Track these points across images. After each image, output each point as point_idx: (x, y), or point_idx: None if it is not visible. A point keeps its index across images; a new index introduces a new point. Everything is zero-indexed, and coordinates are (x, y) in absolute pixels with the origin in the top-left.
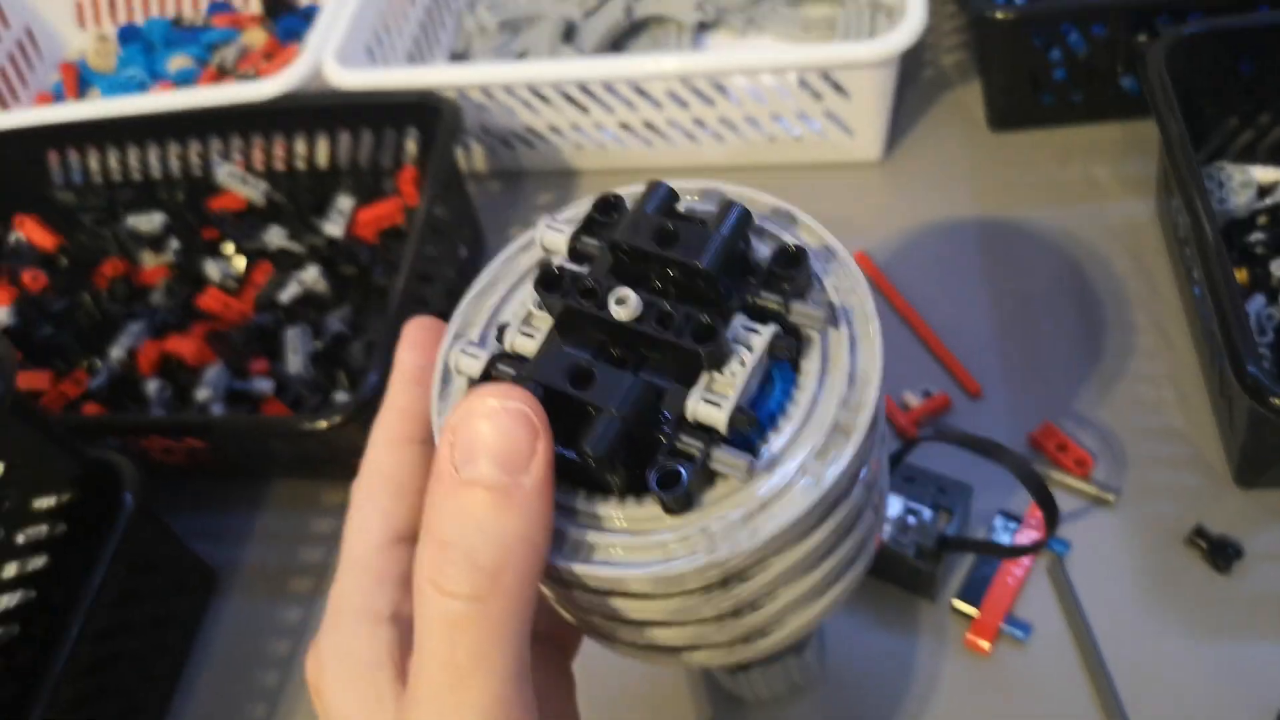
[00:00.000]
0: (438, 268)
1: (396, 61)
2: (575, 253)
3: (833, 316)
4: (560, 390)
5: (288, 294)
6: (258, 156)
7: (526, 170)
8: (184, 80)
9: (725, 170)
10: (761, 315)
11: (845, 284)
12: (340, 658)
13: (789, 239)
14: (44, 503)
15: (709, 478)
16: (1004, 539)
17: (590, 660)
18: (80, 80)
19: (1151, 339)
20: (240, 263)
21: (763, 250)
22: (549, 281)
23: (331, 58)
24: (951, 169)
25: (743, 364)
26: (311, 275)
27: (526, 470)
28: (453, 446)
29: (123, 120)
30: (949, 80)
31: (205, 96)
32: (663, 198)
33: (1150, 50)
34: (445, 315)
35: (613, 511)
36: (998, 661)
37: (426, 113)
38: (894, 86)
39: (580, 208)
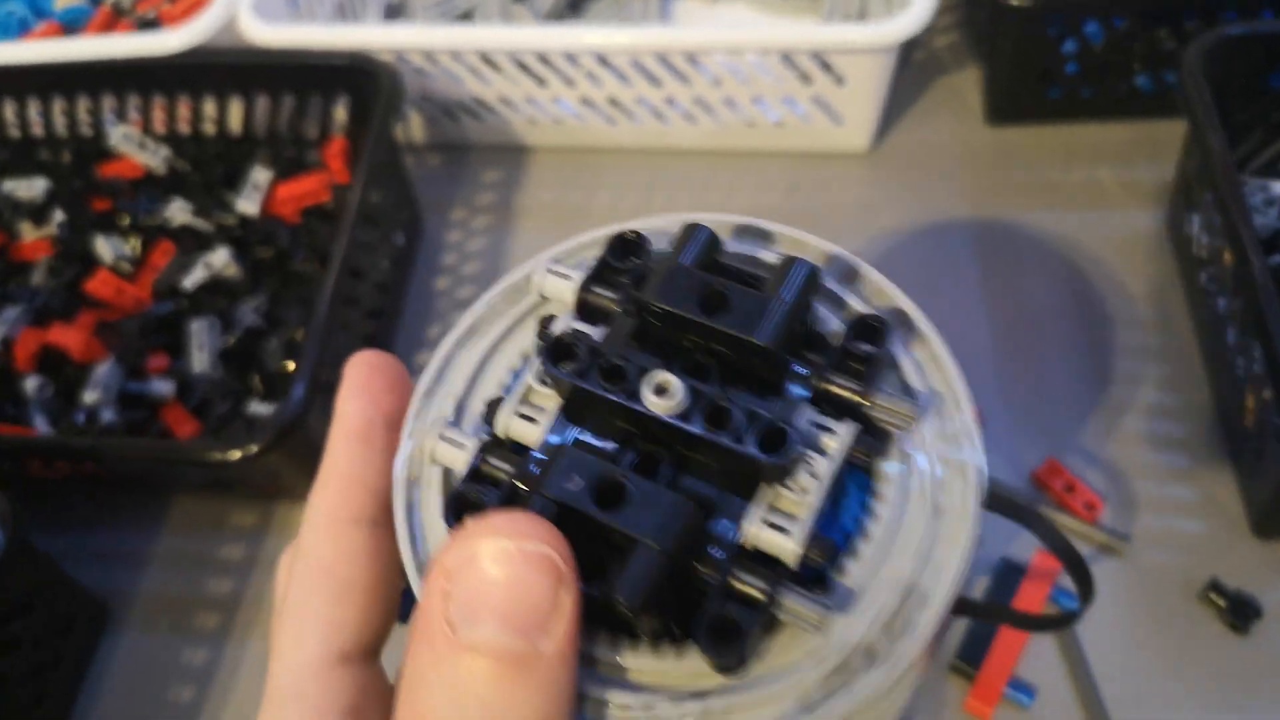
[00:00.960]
0: (372, 259)
1: (323, 13)
2: (585, 307)
3: (919, 408)
4: (584, 513)
5: (192, 279)
6: (159, 117)
7: (472, 144)
8: (73, 20)
9: (696, 154)
10: (833, 405)
11: (927, 362)
12: None
13: (856, 304)
14: None
15: (774, 626)
16: (1007, 591)
17: None
18: None
19: (1162, 368)
20: (136, 241)
21: (824, 316)
22: (559, 353)
23: (248, 8)
24: (944, 164)
25: (815, 476)
26: (221, 258)
27: (547, 631)
28: (448, 597)
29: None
30: (943, 65)
31: (98, 48)
32: (704, 246)
33: (1188, 51)
34: (380, 313)
35: (643, 663)
36: None
37: (359, 78)
38: (892, 74)
39: (584, 245)
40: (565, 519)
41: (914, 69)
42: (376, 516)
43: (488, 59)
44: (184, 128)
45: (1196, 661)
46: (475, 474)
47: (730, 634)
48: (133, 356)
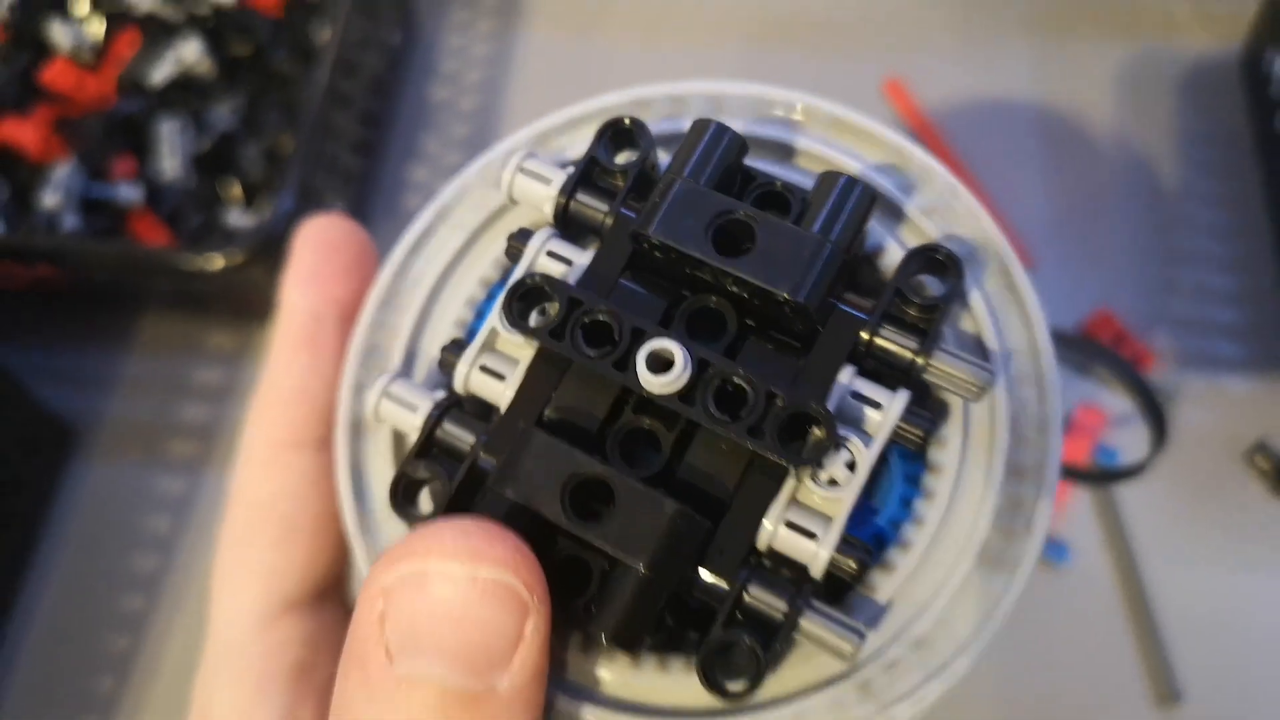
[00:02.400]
0: (362, 56)
1: None
2: (567, 218)
3: (992, 375)
4: (555, 524)
5: (161, 74)
6: None
7: None
8: None
9: None
10: (880, 365)
11: (1007, 305)
12: None
13: (922, 222)
14: None
15: (790, 646)
16: None
17: None
18: None
19: (1225, 216)
20: (98, 27)
21: (878, 238)
22: (528, 295)
23: None
24: None
25: (853, 465)
26: (192, 51)
27: (506, 669)
28: (385, 620)
29: None
30: None
31: None
32: (722, 158)
33: None
34: (372, 119)
35: (634, 678)
36: (1030, 586)
37: None
38: None
39: (575, 120)
40: (534, 523)
41: None
42: (324, 436)
43: None
44: None
45: (1237, 525)
46: (429, 442)
47: (734, 657)
48: (96, 158)
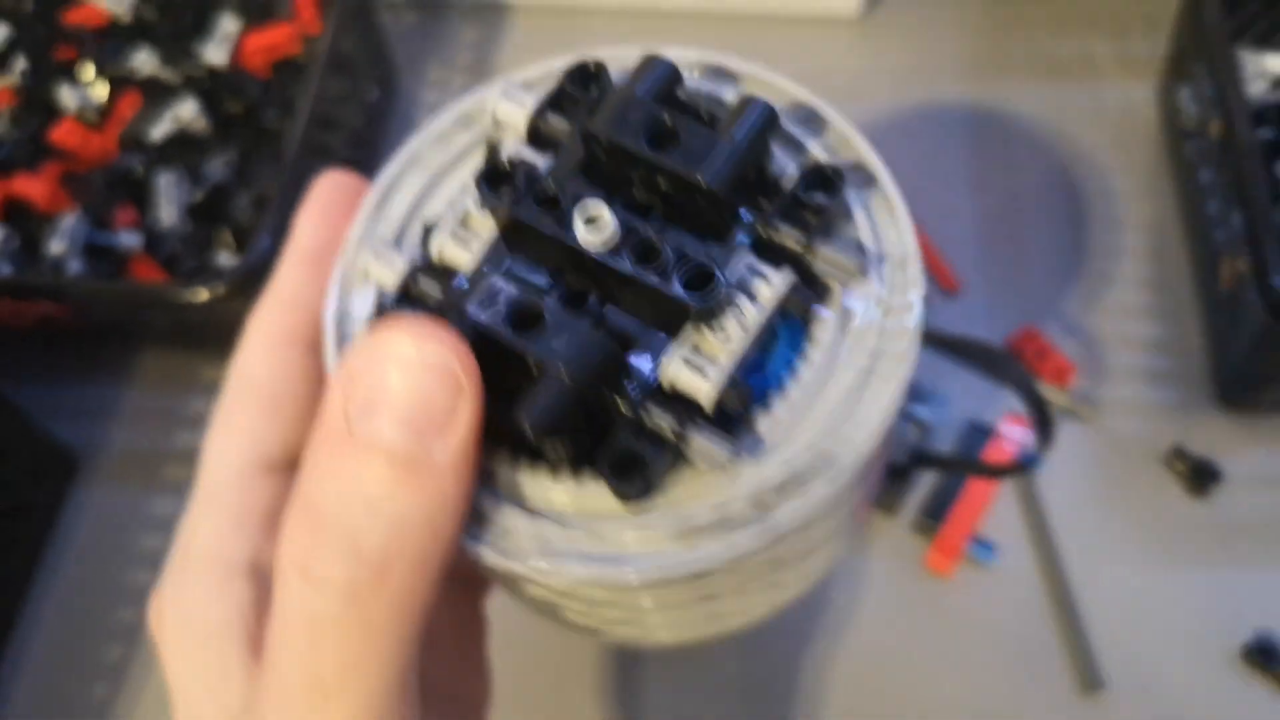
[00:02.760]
0: (342, 111)
1: None
2: (537, 135)
3: (864, 265)
4: (498, 335)
5: (159, 131)
6: None
7: (450, 1)
8: None
9: (680, 17)
10: (776, 254)
11: (884, 219)
12: (183, 616)
13: (819, 152)
14: None
15: (677, 459)
16: (973, 452)
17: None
18: None
19: (1143, 239)
20: (102, 90)
21: (782, 161)
22: (495, 177)
23: None
24: (936, 33)
25: (743, 322)
26: (188, 110)
27: (442, 437)
28: (348, 395)
29: None
30: None
31: None
32: (662, 79)
33: None
34: (352, 167)
35: (552, 489)
36: (959, 584)
37: None
38: None
39: (546, 71)
40: (481, 342)
41: None
42: (315, 340)
43: None
44: None
45: (1155, 523)
46: (404, 294)
47: (635, 465)
48: (99, 208)
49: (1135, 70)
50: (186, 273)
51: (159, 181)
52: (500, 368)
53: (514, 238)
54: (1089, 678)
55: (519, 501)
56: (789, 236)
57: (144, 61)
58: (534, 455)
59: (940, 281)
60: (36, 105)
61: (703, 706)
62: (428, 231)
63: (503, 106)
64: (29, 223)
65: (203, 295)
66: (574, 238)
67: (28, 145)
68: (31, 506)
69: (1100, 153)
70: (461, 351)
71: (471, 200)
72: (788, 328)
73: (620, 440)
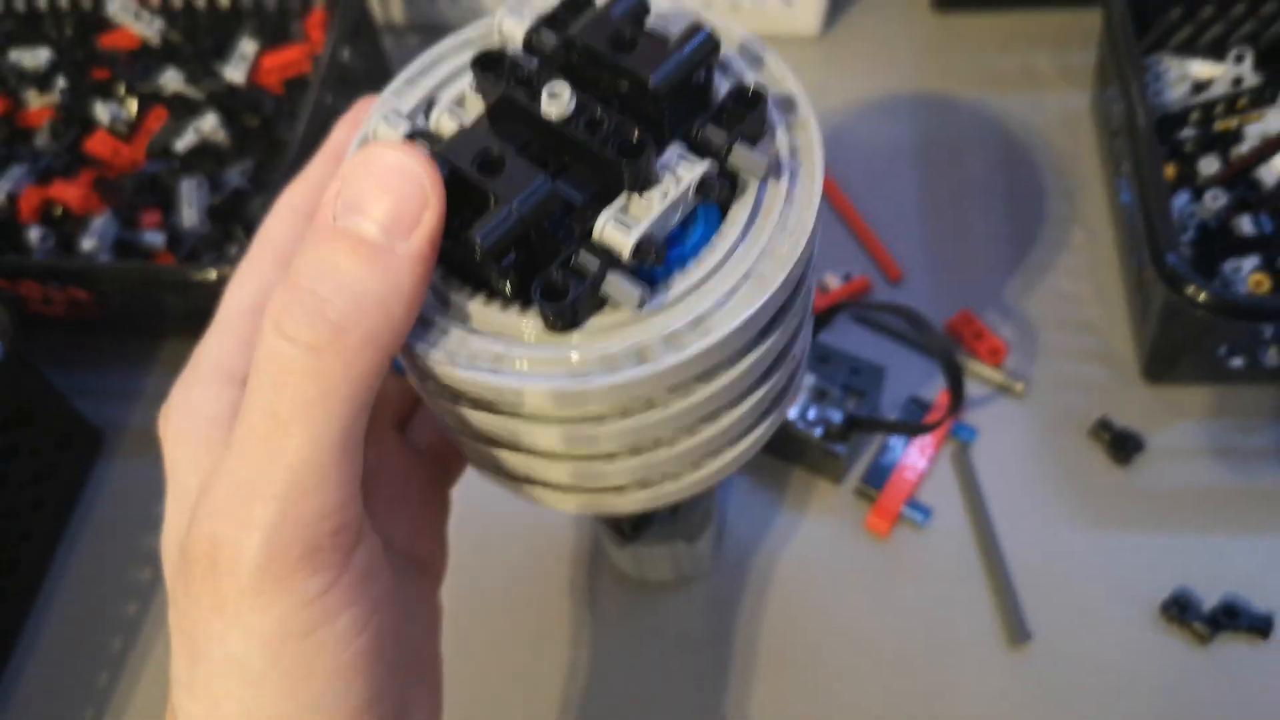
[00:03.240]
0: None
1: None
2: (531, 45)
3: (777, 168)
4: (465, 174)
5: (183, 142)
6: None
7: (448, 25)
8: None
9: None
10: (702, 150)
11: (799, 137)
12: (184, 410)
13: (751, 79)
14: None
15: (601, 304)
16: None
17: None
18: None
19: (1077, 233)
20: (132, 106)
21: (725, 87)
22: (488, 62)
23: None
24: (891, 49)
25: (665, 193)
26: (209, 124)
27: (406, 238)
28: (338, 194)
29: None
30: None
31: None
32: (630, 5)
33: None
34: None
35: (498, 316)
36: (896, 545)
37: None
38: None
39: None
40: (453, 179)
41: None
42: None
43: None
44: (177, 0)
45: (1081, 489)
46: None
47: (561, 294)
48: (128, 211)
49: (1073, 79)
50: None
51: (182, 187)
52: (466, 202)
53: (497, 115)
54: (1016, 631)
55: (464, 320)
56: (713, 135)
57: (170, 80)
58: (484, 286)
59: (885, 271)
60: (74, 119)
61: (652, 653)
62: (430, 106)
63: (507, 21)
64: (65, 224)
65: (212, 274)
66: (539, 108)
67: (65, 155)
68: (60, 475)
69: (1041, 154)
70: (431, 171)
71: (468, 85)
72: (708, 211)
73: (552, 273)
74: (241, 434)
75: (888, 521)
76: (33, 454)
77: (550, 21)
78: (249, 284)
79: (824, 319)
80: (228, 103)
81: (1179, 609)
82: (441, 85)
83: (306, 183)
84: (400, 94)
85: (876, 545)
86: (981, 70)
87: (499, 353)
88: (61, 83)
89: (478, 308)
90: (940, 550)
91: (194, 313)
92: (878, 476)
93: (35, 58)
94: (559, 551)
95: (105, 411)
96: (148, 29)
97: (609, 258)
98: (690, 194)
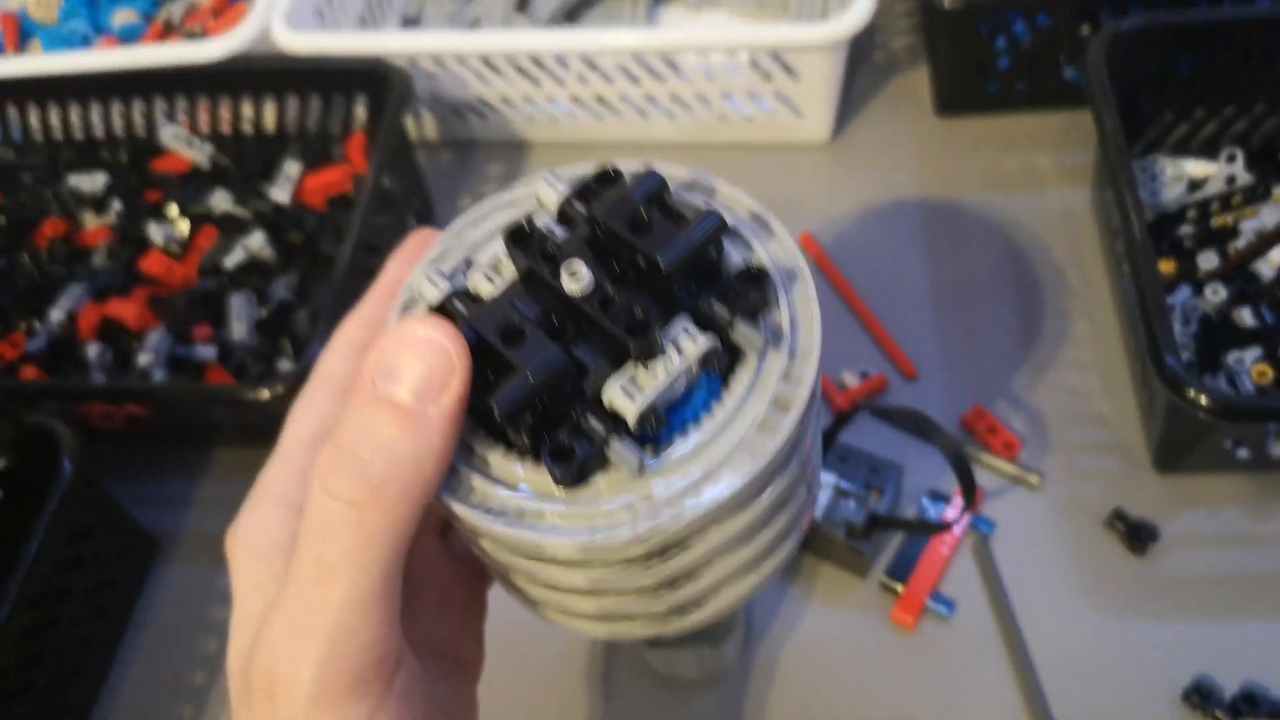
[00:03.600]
0: (385, 238)
1: (347, 24)
2: (563, 214)
3: (777, 340)
4: (490, 342)
5: (232, 260)
6: (203, 118)
7: (478, 140)
8: (129, 35)
9: (676, 147)
10: (707, 323)
11: (801, 310)
12: (250, 536)
13: (759, 254)
14: None
15: (605, 462)
16: (931, 518)
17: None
18: (20, 32)
19: (1082, 327)
20: (184, 226)
21: (735, 257)
22: (517, 237)
23: (280, 20)
24: (898, 152)
25: (669, 366)
26: (257, 241)
27: (435, 401)
28: (376, 363)
29: (65, 77)
30: (899, 64)
31: (150, 56)
32: (651, 186)
33: (1091, 44)
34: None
35: (516, 469)
36: (922, 637)
37: (376, 81)
38: (843, 69)
39: (585, 170)
40: (480, 346)
41: (873, 68)
42: None
43: (488, 62)
44: (225, 127)
45: (1099, 579)
46: (440, 307)
47: (569, 455)
48: (180, 326)
49: (1073, 178)
50: (253, 379)
51: (232, 302)
52: (492, 365)
53: (526, 282)
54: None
55: (485, 470)
56: (718, 313)
57: (220, 200)
58: (505, 440)
59: (901, 368)
60: (129, 240)
61: None
62: (469, 267)
63: (544, 190)
64: (121, 339)
65: (264, 394)
66: (560, 284)
67: (121, 274)
68: (119, 581)
69: (1045, 251)
70: (458, 341)
71: (503, 252)
72: (709, 379)
73: (561, 437)
74: (294, 577)
75: (913, 615)
76: (95, 565)
77: (582, 193)
78: (308, 416)
79: (842, 420)
80: (274, 221)
81: (1200, 697)
82: (484, 242)
83: (360, 319)
84: (444, 252)
85: (902, 638)
86: (985, 170)
87: (519, 506)
88: (117, 205)
89: (498, 458)
90: (964, 642)
91: (246, 426)
92: (902, 570)
93: (93, 182)
94: (585, 644)
95: (161, 518)
96: (198, 154)
97: (615, 423)
98: (694, 365)
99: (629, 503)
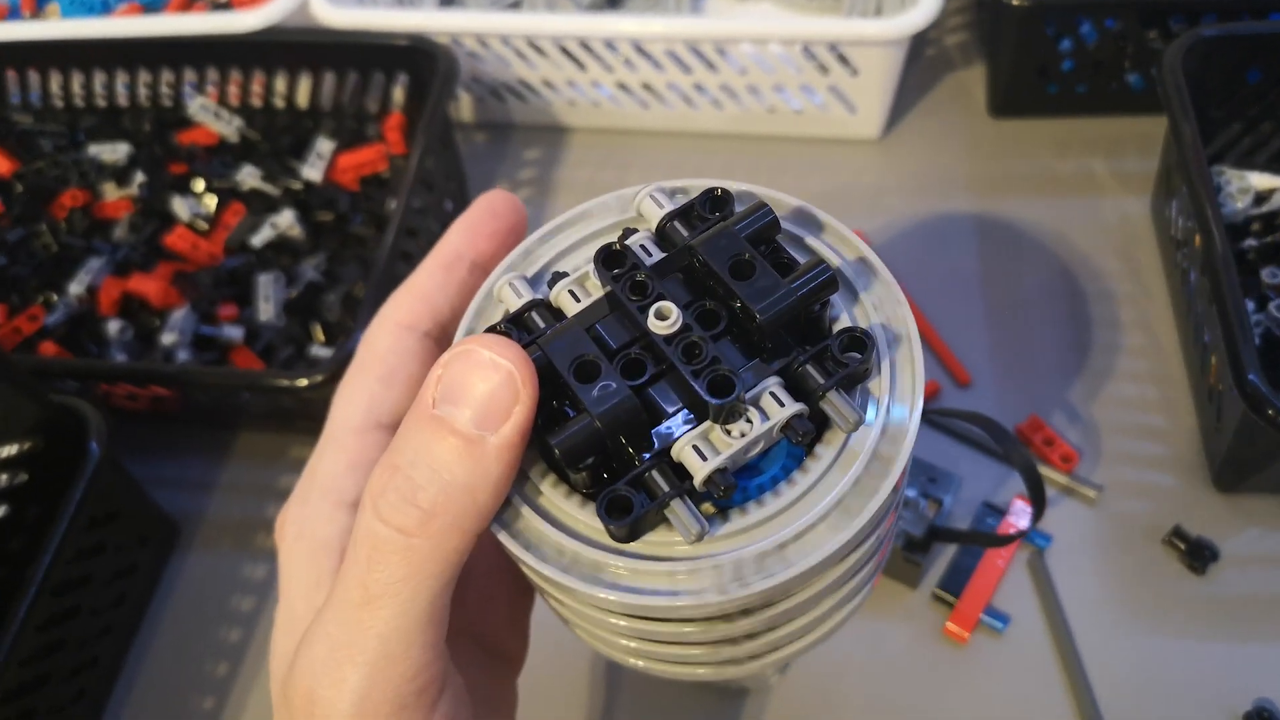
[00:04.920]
0: (424, 222)
1: (386, 1)
2: (663, 234)
3: (869, 413)
4: (560, 373)
5: (260, 238)
6: (233, 91)
7: (515, 124)
8: (152, 2)
9: (721, 137)
10: (797, 388)
11: (904, 373)
12: (299, 531)
13: (866, 312)
14: (5, 450)
15: (662, 520)
16: (987, 529)
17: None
18: None
19: (1139, 338)
20: (210, 201)
21: (839, 309)
22: (610, 258)
23: None
24: (950, 152)
25: (747, 430)
26: (286, 219)
27: (496, 431)
28: (439, 381)
29: (86, 42)
30: (952, 62)
31: (179, 25)
32: (761, 225)
33: (1168, 50)
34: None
35: (572, 509)
36: (974, 651)
37: (419, 59)
38: (902, 66)
39: (691, 185)
40: (550, 374)
41: (926, 65)
42: (431, 330)
43: (534, 44)
44: (256, 100)
45: (1157, 598)
46: (518, 317)
47: (624, 509)
48: (206, 305)
49: (1131, 186)
50: (281, 362)
51: (259, 281)
52: (560, 398)
53: (612, 305)
54: None
55: (538, 505)
56: (810, 378)
57: (248, 176)
58: (564, 475)
59: (954, 374)
60: (152, 214)
61: None
62: (556, 278)
63: (646, 204)
64: (144, 316)
65: (301, 382)
66: (646, 319)
67: (144, 249)
68: (140, 566)
69: (1099, 259)
70: (526, 369)
71: (593, 268)
72: (791, 453)
73: (620, 486)
74: (338, 598)
75: (967, 628)
76: (116, 551)
77: (685, 214)
78: (357, 399)
79: None
80: (304, 199)
81: None
82: (576, 247)
83: (411, 296)
84: (532, 251)
85: (955, 652)
86: (1038, 175)
87: (574, 552)
88: (140, 177)
89: (552, 489)
90: (1018, 658)
91: (275, 411)
92: (955, 582)
93: (115, 152)
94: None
95: (181, 502)
96: (227, 127)
97: (679, 482)
98: (775, 432)
99: (686, 568)
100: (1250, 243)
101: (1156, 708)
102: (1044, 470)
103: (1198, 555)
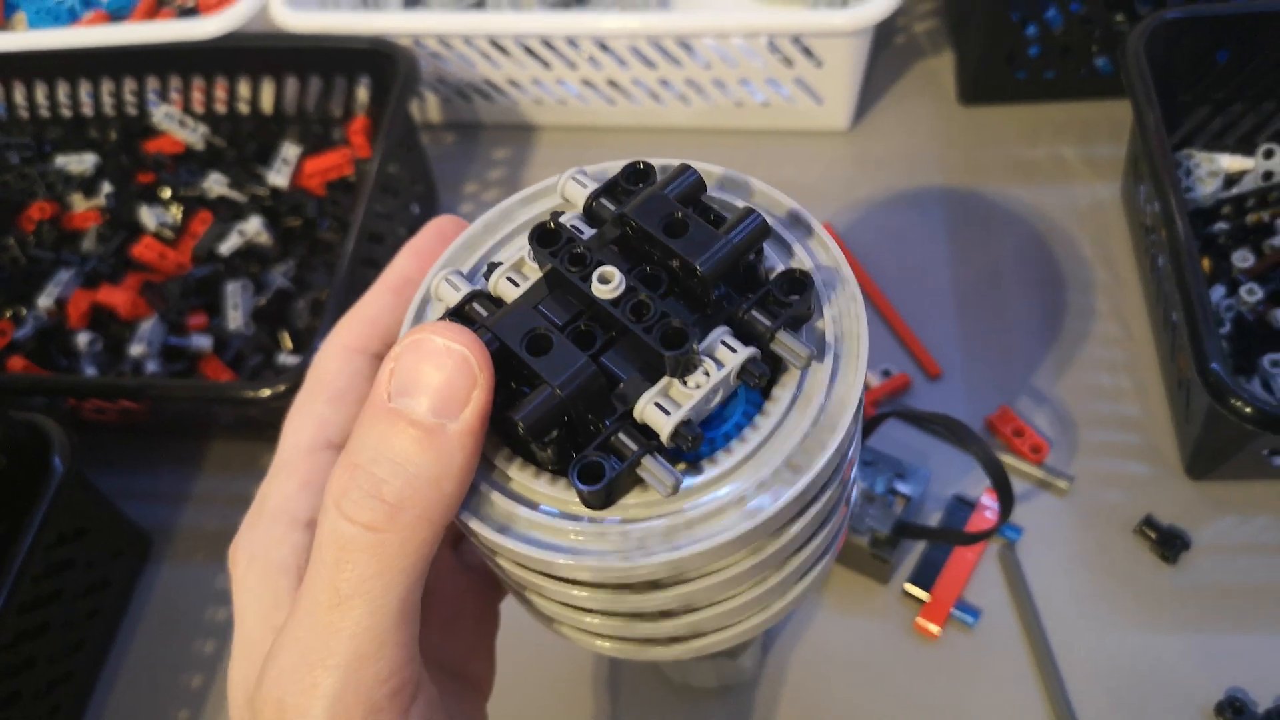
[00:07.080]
0: (390, 226)
1: (347, 3)
2: (590, 212)
3: (819, 353)
4: (514, 351)
5: (228, 245)
6: (197, 98)
7: (483, 123)
8: (119, 9)
9: (689, 133)
10: (747, 334)
11: (845, 313)
12: (252, 556)
13: (801, 258)
14: None
15: (636, 481)
16: (957, 525)
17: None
18: (5, 4)
19: (1111, 326)
20: (177, 210)
21: (773, 260)
22: (544, 237)
23: None
24: (919, 141)
25: (706, 380)
26: (253, 226)
27: (456, 417)
28: (392, 374)
29: (51, 53)
30: (920, 49)
31: (141, 33)
32: (687, 185)
33: (1130, 34)
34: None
35: (540, 487)
36: (946, 645)
37: (380, 61)
38: (867, 56)
39: (611, 166)
40: (503, 356)
41: (894, 53)
42: (380, 352)
43: (497, 43)
44: (220, 107)
45: (1128, 588)
46: (459, 310)
47: (595, 475)
48: (174, 315)
49: (1101, 172)
50: (251, 371)
51: (227, 289)
52: (516, 379)
53: (552, 283)
54: None
55: (506, 487)
56: (758, 322)
57: (214, 184)
58: (528, 455)
59: (924, 367)
60: (120, 224)
61: None
62: (491, 269)
63: (570, 186)
64: (112, 328)
65: (265, 392)
66: (589, 288)
67: (112, 260)
68: (111, 580)
69: (1071, 246)
70: (480, 352)
71: (527, 252)
72: (749, 392)
73: (589, 455)
74: (306, 604)
75: (938, 623)
76: (86, 566)
77: (610, 190)
78: (307, 424)
79: (870, 426)
80: (271, 206)
81: (1233, 712)
82: (506, 239)
83: (358, 318)
84: (465, 249)
85: (926, 647)
86: (1010, 161)
87: (544, 526)
88: (107, 187)
89: (518, 472)
90: (990, 651)
91: (244, 421)
92: (926, 577)
93: (82, 162)
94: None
95: (153, 514)
96: (191, 135)
97: (646, 440)
98: (732, 379)
99: (665, 524)
100: (1221, 226)
101: (1129, 698)
102: (1015, 462)
103: (1169, 545)
